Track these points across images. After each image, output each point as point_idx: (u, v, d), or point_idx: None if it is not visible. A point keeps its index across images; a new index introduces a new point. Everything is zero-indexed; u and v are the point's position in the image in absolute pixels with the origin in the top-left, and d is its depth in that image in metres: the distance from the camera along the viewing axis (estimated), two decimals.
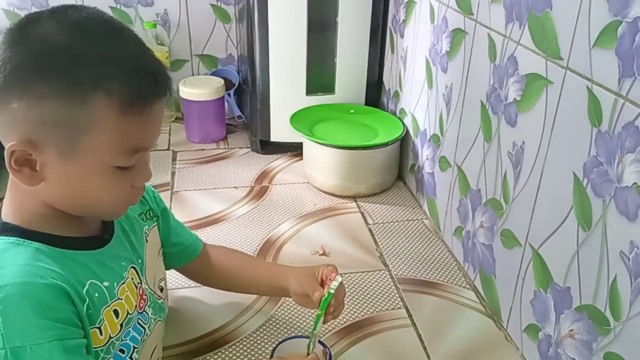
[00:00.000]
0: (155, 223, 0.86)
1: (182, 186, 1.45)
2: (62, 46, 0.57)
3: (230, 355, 0.94)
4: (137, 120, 0.60)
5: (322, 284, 0.86)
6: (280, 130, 1.59)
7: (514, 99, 0.94)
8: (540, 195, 0.89)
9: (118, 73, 0.58)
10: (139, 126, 0.61)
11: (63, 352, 0.58)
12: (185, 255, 0.94)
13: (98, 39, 0.59)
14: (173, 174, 1.52)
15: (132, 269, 0.74)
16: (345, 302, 1.06)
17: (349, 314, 1.04)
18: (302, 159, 1.55)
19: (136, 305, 0.73)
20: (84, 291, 0.63)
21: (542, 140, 0.87)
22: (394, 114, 1.56)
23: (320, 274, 0.87)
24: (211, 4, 1.76)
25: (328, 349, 0.83)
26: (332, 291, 0.83)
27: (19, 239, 0.62)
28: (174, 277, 1.10)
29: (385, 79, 1.64)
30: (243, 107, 1.76)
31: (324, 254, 1.21)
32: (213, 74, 1.81)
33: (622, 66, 0.69)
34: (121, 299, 0.69)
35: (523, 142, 0.93)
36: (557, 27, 0.82)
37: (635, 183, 0.69)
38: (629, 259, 0.70)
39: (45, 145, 0.59)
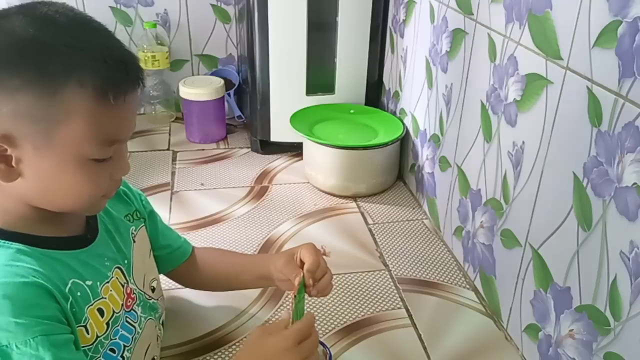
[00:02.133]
0: (143, 224, 0.86)
1: (182, 186, 1.45)
2: (30, 39, 0.57)
3: (230, 355, 0.94)
4: (111, 111, 0.60)
5: (302, 265, 0.84)
6: (280, 130, 1.59)
7: (514, 99, 0.94)
8: (540, 195, 0.89)
9: (88, 62, 0.58)
10: (113, 117, 0.61)
11: (50, 347, 0.58)
12: (175, 257, 0.94)
13: (66, 30, 0.59)
14: (173, 174, 1.52)
15: (117, 269, 0.74)
16: (345, 302, 1.06)
17: (349, 314, 1.04)
18: (302, 159, 1.54)
19: (122, 304, 0.73)
20: (67, 290, 0.63)
21: (542, 140, 0.87)
22: (394, 114, 1.56)
23: (299, 255, 0.85)
24: (211, 4, 1.76)
25: (328, 349, 0.83)
26: (300, 283, 0.78)
27: None
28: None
29: (385, 79, 1.64)
30: (243, 107, 1.76)
31: (324, 254, 1.20)
32: (213, 74, 1.81)
33: (622, 66, 0.69)
34: (105, 298, 0.69)
35: (523, 142, 0.93)
36: (557, 27, 0.82)
37: (635, 183, 0.69)
38: (629, 259, 0.70)
39: (20, 139, 0.58)
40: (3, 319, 0.57)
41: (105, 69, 0.59)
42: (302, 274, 0.80)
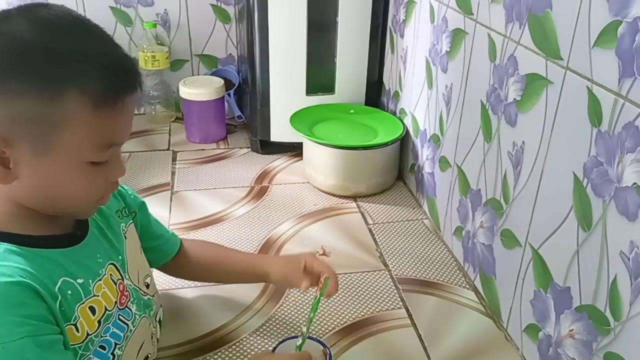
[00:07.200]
0: (132, 220, 0.85)
1: (182, 186, 1.45)
2: (33, 43, 0.57)
3: (230, 355, 0.94)
4: (109, 116, 0.61)
5: (306, 272, 0.90)
6: (280, 130, 1.59)
7: (514, 99, 0.94)
8: (540, 195, 0.89)
9: (90, 69, 0.59)
10: (111, 121, 0.62)
11: (36, 348, 0.57)
12: (168, 248, 0.94)
13: (68, 35, 0.59)
14: (173, 174, 1.52)
15: (110, 266, 0.74)
16: (345, 302, 1.06)
17: (349, 314, 1.04)
18: (302, 159, 1.54)
19: (116, 302, 0.73)
20: (56, 288, 0.63)
21: (542, 140, 0.87)
22: (394, 114, 1.56)
23: (304, 264, 0.90)
24: (211, 4, 1.76)
25: (328, 349, 0.83)
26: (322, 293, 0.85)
27: None
28: (173, 277, 1.10)
29: (385, 79, 1.64)
30: (243, 107, 1.76)
31: (324, 254, 1.20)
32: (213, 74, 1.81)
33: (622, 66, 0.69)
34: (97, 296, 0.69)
35: (523, 142, 0.93)
36: (557, 27, 0.82)
37: (635, 183, 0.69)
38: (629, 259, 0.70)
39: (18, 142, 0.59)
40: None
41: (106, 76, 0.60)
42: (326, 276, 0.87)
